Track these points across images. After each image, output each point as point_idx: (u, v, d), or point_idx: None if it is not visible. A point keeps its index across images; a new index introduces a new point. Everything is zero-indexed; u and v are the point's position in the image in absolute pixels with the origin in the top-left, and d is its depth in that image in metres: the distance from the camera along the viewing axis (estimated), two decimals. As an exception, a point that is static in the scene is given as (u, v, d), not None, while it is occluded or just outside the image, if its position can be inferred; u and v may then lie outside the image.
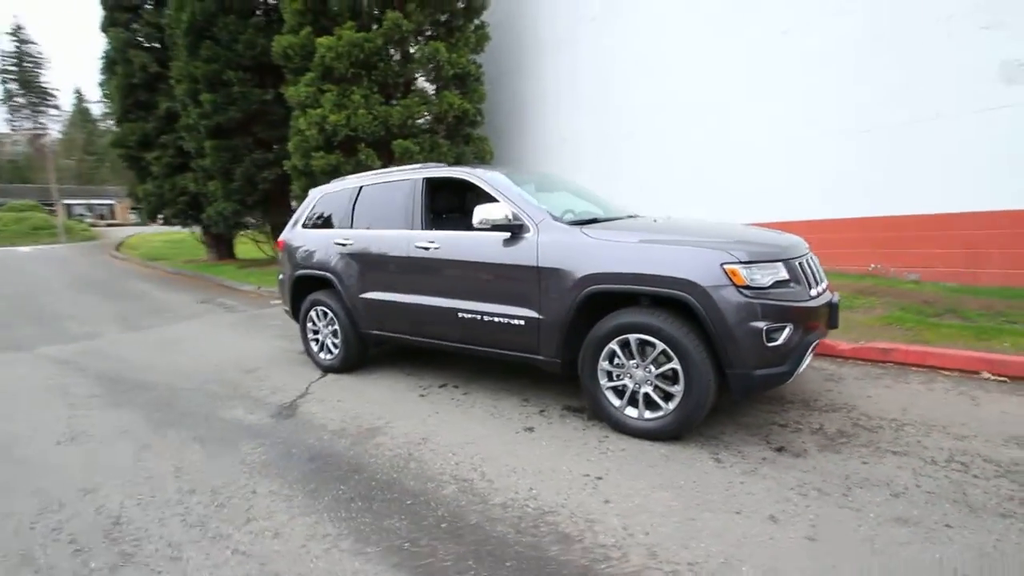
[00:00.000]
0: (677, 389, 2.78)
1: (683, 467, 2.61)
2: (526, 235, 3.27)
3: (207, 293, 9.86)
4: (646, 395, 2.90)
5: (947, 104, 5.30)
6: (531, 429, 3.16)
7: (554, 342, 3.18)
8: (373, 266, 4.06)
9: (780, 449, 2.74)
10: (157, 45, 13.51)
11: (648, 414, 2.90)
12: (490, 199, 3.46)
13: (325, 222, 4.56)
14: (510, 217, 3.26)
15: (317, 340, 4.59)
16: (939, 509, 2.18)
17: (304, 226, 4.74)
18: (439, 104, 8.74)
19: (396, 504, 2.43)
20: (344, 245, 4.25)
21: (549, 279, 3.13)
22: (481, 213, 3.27)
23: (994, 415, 3.02)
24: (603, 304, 3.03)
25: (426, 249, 3.71)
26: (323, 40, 8.44)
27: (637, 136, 8.44)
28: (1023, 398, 3.24)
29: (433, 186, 3.96)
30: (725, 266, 2.65)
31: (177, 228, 15.79)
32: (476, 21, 9.40)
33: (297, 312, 4.75)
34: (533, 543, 2.10)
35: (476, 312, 3.47)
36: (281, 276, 4.93)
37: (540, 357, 3.28)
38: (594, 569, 1.93)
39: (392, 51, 9.00)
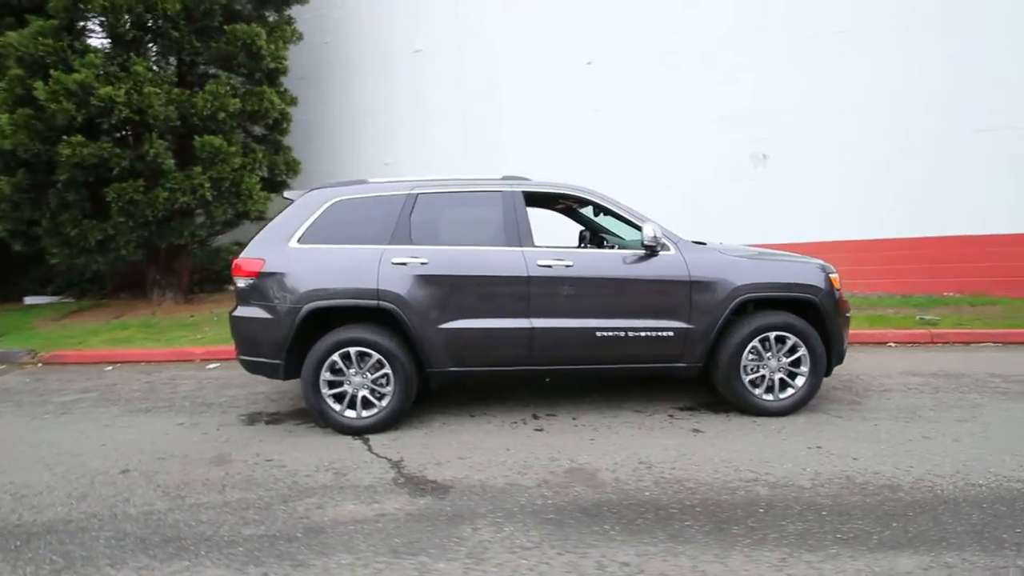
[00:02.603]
0: (803, 370, 3.60)
1: (835, 427, 3.42)
2: (663, 252, 3.53)
3: None
4: (781, 380, 3.61)
5: (717, 174, 7.94)
6: (698, 431, 3.41)
7: (699, 348, 3.53)
8: (468, 289, 3.41)
9: (849, 403, 3.88)
10: None
11: (782, 395, 3.61)
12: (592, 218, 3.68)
13: (352, 236, 3.44)
14: (659, 236, 3.46)
15: (342, 395, 3.39)
16: (992, 406, 3.64)
17: (302, 241, 3.43)
18: (258, 100, 7.13)
19: (804, 520, 2.34)
20: (407, 265, 3.37)
21: (700, 291, 3.49)
22: (648, 232, 3.37)
23: (901, 365, 4.87)
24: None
25: (550, 267, 3.42)
26: (82, -25, 5.75)
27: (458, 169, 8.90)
28: (898, 351, 5.41)
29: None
30: (829, 275, 3.66)
31: None
32: (287, 13, 8.09)
33: (294, 362, 3.37)
34: (905, 498, 2.49)
35: (619, 329, 3.46)
36: (255, 314, 3.37)
37: (681, 364, 3.56)
38: (935, 494, 2.53)
39: (183, 23, 6.84)
